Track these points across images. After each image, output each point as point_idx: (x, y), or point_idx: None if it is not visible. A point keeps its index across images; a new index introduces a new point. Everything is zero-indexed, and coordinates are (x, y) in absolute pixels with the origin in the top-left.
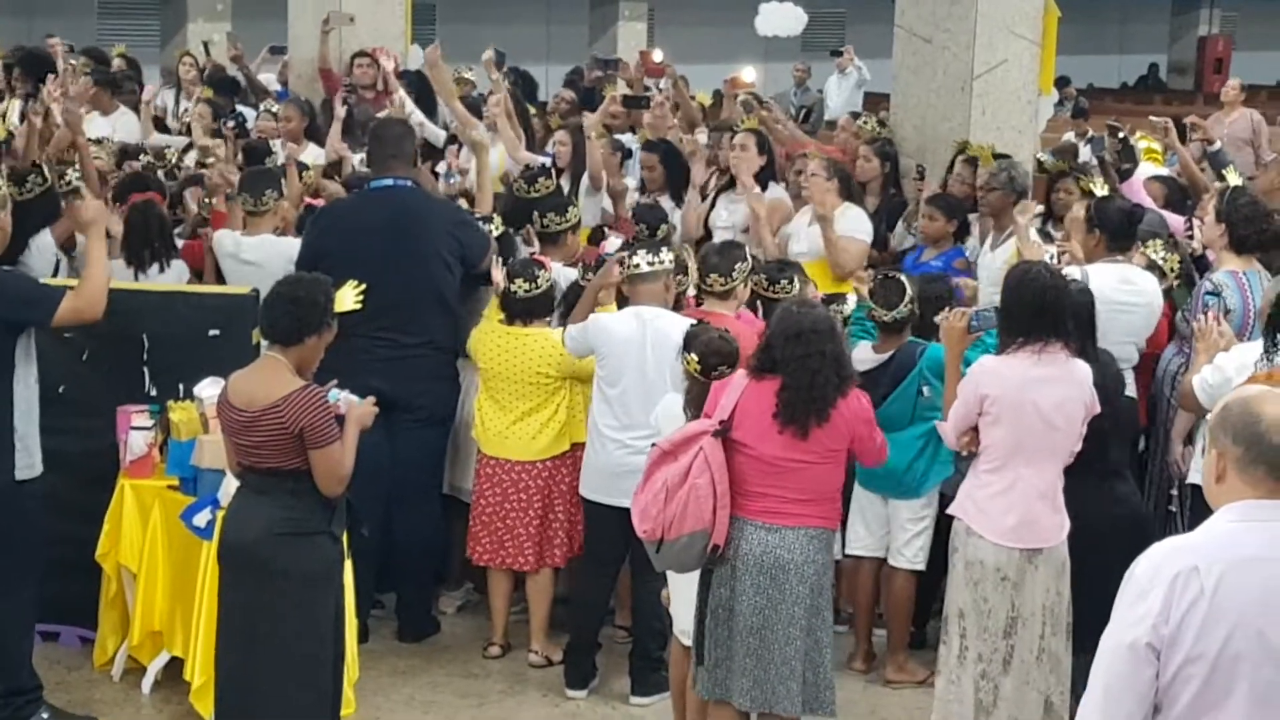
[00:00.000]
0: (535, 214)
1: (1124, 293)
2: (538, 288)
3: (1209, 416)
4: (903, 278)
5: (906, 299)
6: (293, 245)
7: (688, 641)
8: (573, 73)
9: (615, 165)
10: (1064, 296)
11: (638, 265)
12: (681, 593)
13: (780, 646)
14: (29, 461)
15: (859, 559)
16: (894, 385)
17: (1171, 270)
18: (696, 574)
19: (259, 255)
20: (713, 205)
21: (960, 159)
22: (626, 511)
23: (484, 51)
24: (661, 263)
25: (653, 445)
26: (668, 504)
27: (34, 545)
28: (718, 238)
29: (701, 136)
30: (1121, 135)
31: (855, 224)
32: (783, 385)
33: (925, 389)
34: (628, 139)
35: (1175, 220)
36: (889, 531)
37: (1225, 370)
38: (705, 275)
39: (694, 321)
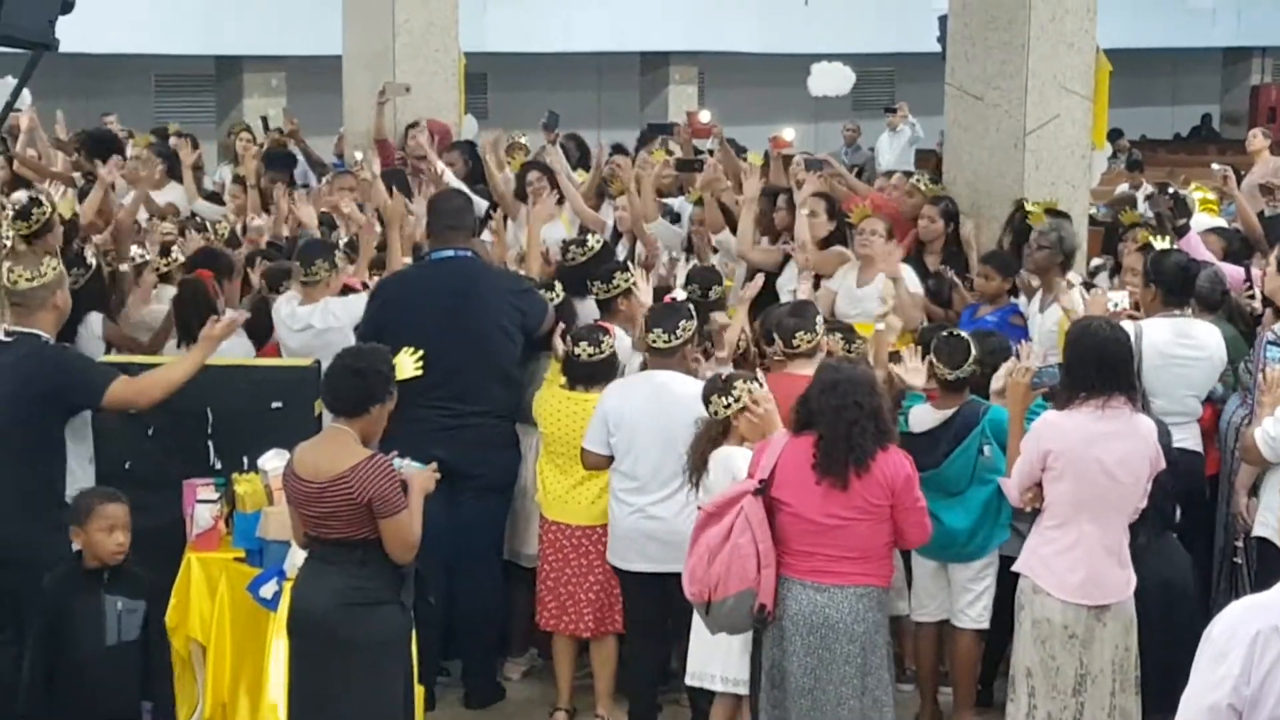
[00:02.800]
0: (587, 282)
1: (1181, 346)
2: (601, 353)
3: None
4: (966, 336)
5: (972, 358)
6: (346, 304)
7: (720, 688)
8: (640, 139)
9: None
10: (1126, 351)
11: (654, 340)
12: (721, 642)
13: (833, 707)
14: None
15: (920, 623)
16: (955, 444)
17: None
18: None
19: (313, 319)
20: (781, 268)
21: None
22: (655, 576)
23: (538, 118)
24: (678, 338)
25: (699, 509)
26: (711, 565)
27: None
28: (784, 299)
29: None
30: (1172, 191)
31: (912, 279)
32: (820, 436)
33: (986, 448)
34: (677, 202)
35: (1235, 274)
36: (949, 594)
37: None
38: (790, 337)
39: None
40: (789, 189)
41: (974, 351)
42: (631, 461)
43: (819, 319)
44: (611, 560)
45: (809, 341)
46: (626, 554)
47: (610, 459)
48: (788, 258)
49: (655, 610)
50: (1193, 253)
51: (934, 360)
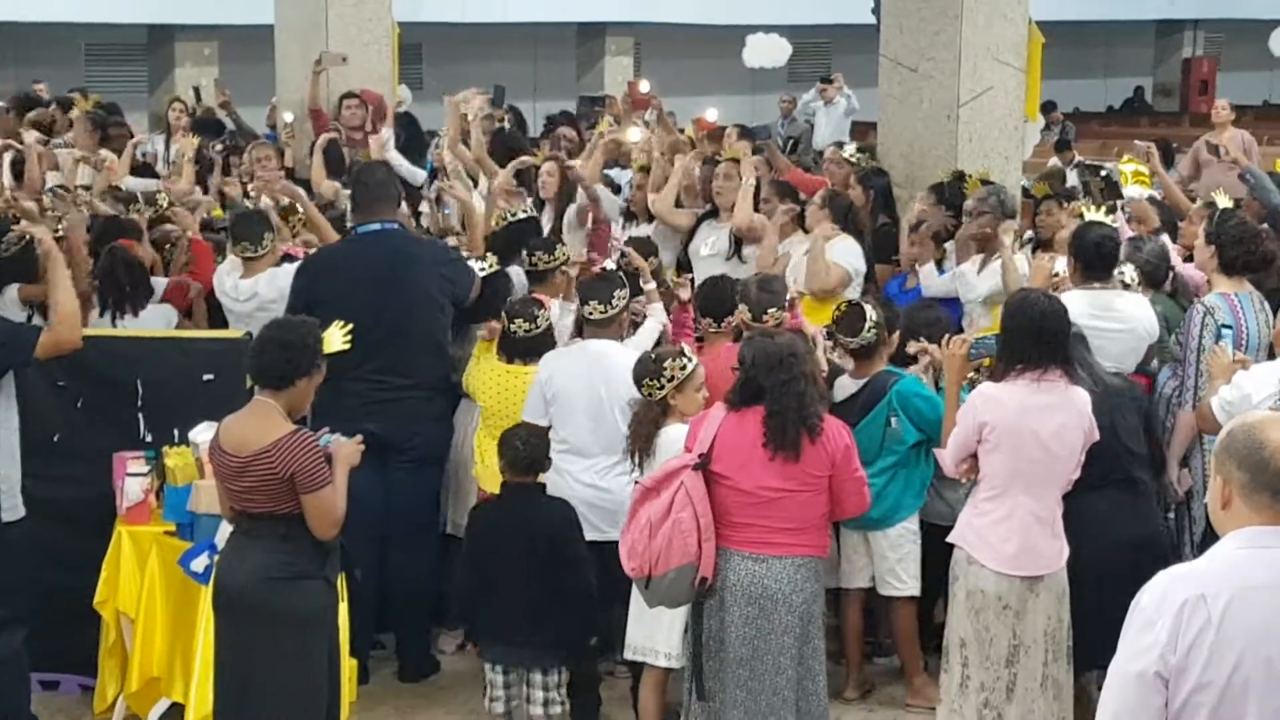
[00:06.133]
0: (524, 253)
1: (1097, 319)
2: (537, 327)
3: (1215, 443)
4: (865, 305)
5: (868, 325)
6: (289, 274)
7: (664, 663)
8: (561, 115)
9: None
10: (1063, 323)
11: (590, 312)
12: (663, 617)
13: (771, 676)
14: (12, 504)
15: (845, 590)
16: (864, 414)
17: (1134, 280)
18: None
19: (259, 289)
20: (691, 234)
21: (928, 188)
22: (595, 545)
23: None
24: (614, 308)
25: (635, 483)
26: (652, 540)
27: (23, 588)
28: (700, 267)
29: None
30: (1104, 174)
31: (843, 255)
32: (770, 413)
33: (893, 420)
34: (616, 173)
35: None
36: (871, 561)
37: (1243, 388)
38: (762, 313)
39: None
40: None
41: (870, 318)
42: (570, 431)
43: (785, 292)
44: None
45: (777, 317)
46: None
47: (548, 429)
48: (700, 221)
49: (599, 580)
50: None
51: (835, 331)
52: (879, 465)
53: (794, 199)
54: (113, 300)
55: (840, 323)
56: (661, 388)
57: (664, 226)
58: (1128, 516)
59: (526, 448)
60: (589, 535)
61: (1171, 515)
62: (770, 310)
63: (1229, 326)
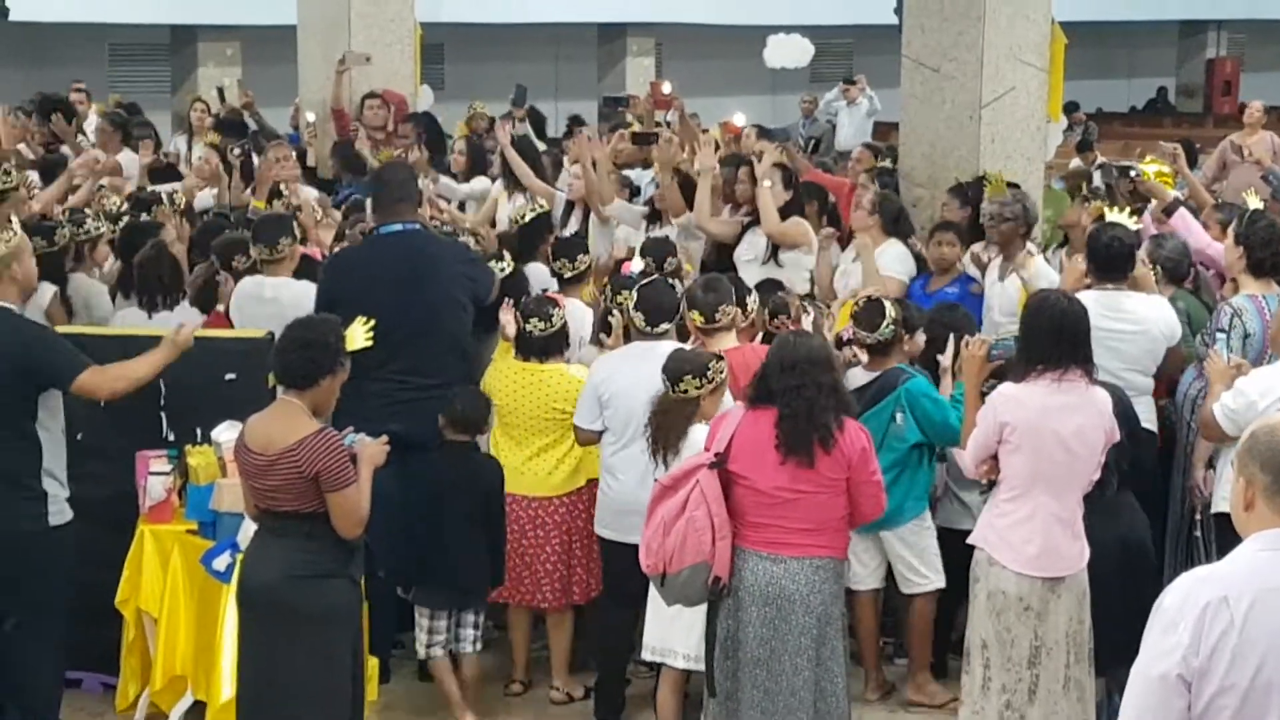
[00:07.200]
0: (552, 258)
1: (1108, 320)
2: (552, 326)
3: (1237, 444)
4: (884, 301)
5: (887, 321)
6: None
7: (682, 665)
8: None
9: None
10: (1083, 323)
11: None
12: (683, 618)
13: (788, 677)
14: (59, 508)
15: (855, 591)
16: (870, 406)
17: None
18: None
19: (279, 294)
20: (738, 239)
21: (949, 189)
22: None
23: (495, 89)
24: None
25: (655, 481)
26: (666, 537)
27: (65, 590)
28: (741, 270)
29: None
30: (1133, 174)
31: (892, 262)
32: (781, 416)
33: (898, 416)
34: (638, 174)
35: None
36: (881, 562)
37: (1248, 394)
38: (713, 313)
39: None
40: (750, 160)
41: (890, 314)
42: (633, 433)
43: (732, 292)
44: (602, 532)
45: (729, 315)
46: (623, 527)
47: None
48: (745, 229)
49: (636, 582)
50: (1184, 232)
51: (854, 325)
52: (881, 463)
53: (822, 200)
54: (148, 292)
55: (859, 318)
56: (700, 387)
57: (688, 228)
58: (1098, 519)
59: (465, 408)
60: (634, 539)
61: (1199, 517)
62: (721, 307)
63: (1223, 331)
